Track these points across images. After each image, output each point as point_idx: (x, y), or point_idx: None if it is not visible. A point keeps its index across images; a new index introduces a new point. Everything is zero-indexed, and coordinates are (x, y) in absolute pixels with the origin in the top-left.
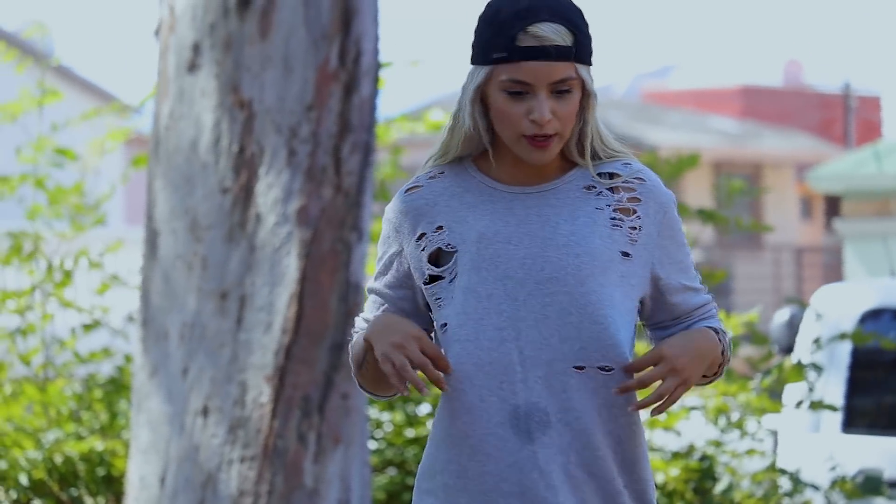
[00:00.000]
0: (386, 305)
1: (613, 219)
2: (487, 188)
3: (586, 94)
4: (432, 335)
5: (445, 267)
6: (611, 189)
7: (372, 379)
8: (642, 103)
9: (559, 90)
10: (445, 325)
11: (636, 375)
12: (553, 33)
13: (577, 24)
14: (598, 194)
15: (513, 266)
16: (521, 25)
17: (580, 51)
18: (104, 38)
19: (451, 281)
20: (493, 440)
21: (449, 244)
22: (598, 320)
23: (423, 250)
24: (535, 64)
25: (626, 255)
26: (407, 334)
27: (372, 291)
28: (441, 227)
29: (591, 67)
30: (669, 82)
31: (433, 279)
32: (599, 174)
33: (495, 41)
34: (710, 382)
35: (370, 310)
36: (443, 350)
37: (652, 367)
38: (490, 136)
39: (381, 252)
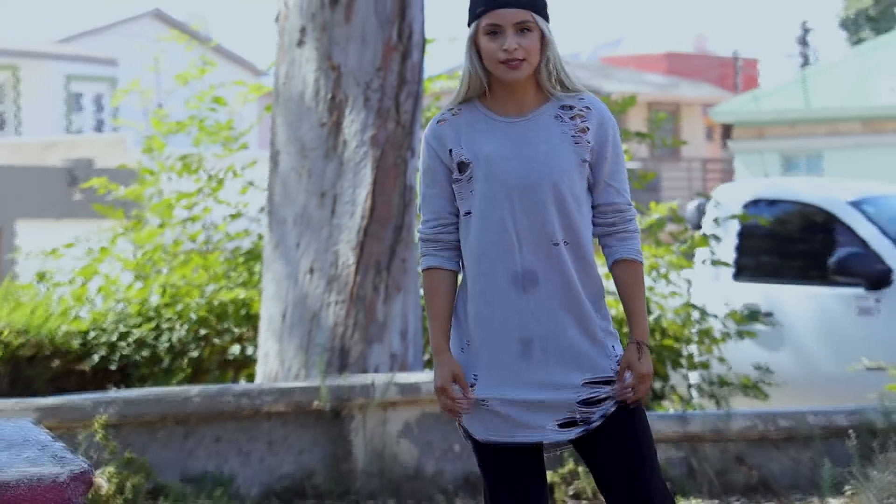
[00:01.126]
0: (441, 203)
1: (574, 138)
2: (489, 119)
3: (545, 39)
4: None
5: (464, 174)
6: (571, 118)
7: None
8: (600, 65)
9: (522, 29)
10: (468, 212)
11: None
12: None
13: None
14: (563, 122)
15: (509, 176)
16: None
17: (536, 5)
18: (245, 19)
19: (469, 181)
20: (500, 293)
21: (467, 157)
22: (565, 212)
23: (452, 159)
24: (503, 10)
25: (584, 160)
26: (440, 389)
27: (426, 195)
28: (461, 147)
29: (547, 22)
30: (619, 50)
31: (457, 181)
32: (562, 106)
33: (478, 3)
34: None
35: (427, 208)
36: (465, 229)
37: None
38: (486, 77)
39: (428, 168)
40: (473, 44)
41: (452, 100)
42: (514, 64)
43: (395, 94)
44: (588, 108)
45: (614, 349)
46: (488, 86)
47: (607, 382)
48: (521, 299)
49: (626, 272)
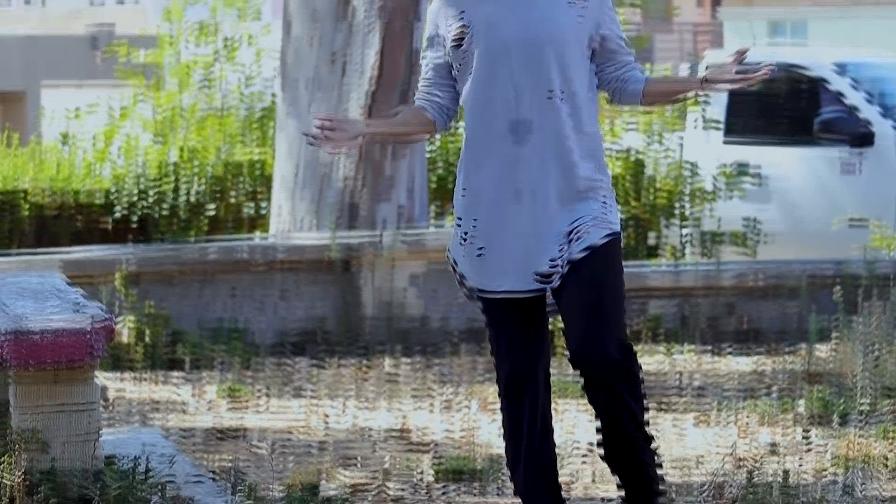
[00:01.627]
0: (428, 73)
1: (570, 3)
2: None
3: None
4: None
5: (464, 36)
6: None
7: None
8: None
9: None
10: (470, 72)
11: None
12: None
13: None
14: None
15: (508, 36)
16: None
17: None
18: None
19: (469, 45)
20: (499, 142)
21: (468, 22)
22: (561, 64)
23: (448, 26)
24: None
25: (579, 22)
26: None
27: (424, 62)
28: (462, 11)
29: None
30: None
31: (456, 46)
32: None
33: None
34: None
35: (423, 76)
36: (468, 89)
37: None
38: None
39: (427, 33)
40: None
41: None
42: None
43: None
44: None
45: (604, 198)
46: None
47: (585, 227)
48: (515, 148)
49: (657, 82)
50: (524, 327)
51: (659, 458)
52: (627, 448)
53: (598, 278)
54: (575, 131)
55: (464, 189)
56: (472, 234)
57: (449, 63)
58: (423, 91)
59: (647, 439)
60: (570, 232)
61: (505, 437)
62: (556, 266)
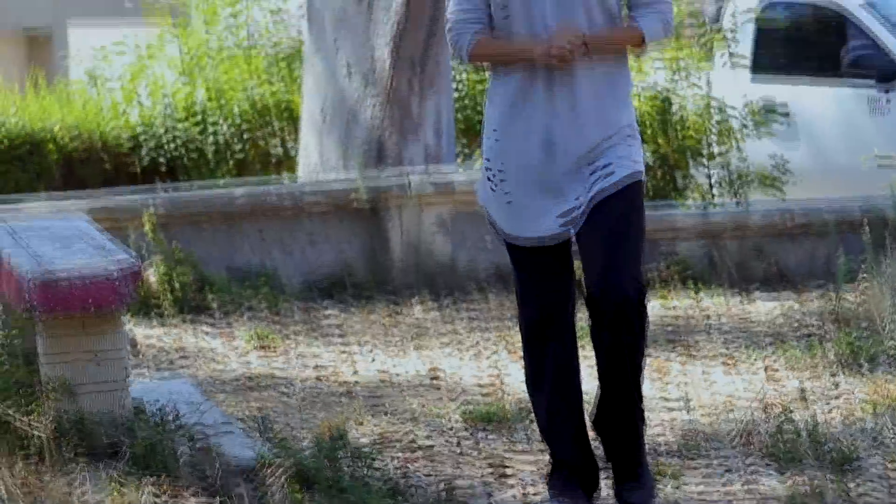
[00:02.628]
0: (469, 3)
1: None
2: None
3: None
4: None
5: None
6: None
7: (487, 61)
8: None
9: None
10: (507, 16)
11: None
12: None
13: None
14: None
15: None
16: None
17: None
18: None
19: None
20: (532, 90)
21: None
22: (590, 9)
23: None
24: None
25: None
26: (563, 34)
27: None
28: None
29: None
30: None
31: None
32: None
33: None
34: (639, 50)
35: (457, 3)
36: (505, 29)
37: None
38: None
39: None
40: None
41: None
42: None
43: None
44: None
45: (629, 137)
46: None
47: (610, 165)
48: (544, 96)
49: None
50: (550, 271)
51: (644, 422)
52: (623, 398)
53: (619, 218)
54: (604, 77)
55: (493, 130)
56: (501, 179)
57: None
58: (464, 22)
59: (640, 396)
60: (594, 172)
61: (527, 382)
62: (579, 206)
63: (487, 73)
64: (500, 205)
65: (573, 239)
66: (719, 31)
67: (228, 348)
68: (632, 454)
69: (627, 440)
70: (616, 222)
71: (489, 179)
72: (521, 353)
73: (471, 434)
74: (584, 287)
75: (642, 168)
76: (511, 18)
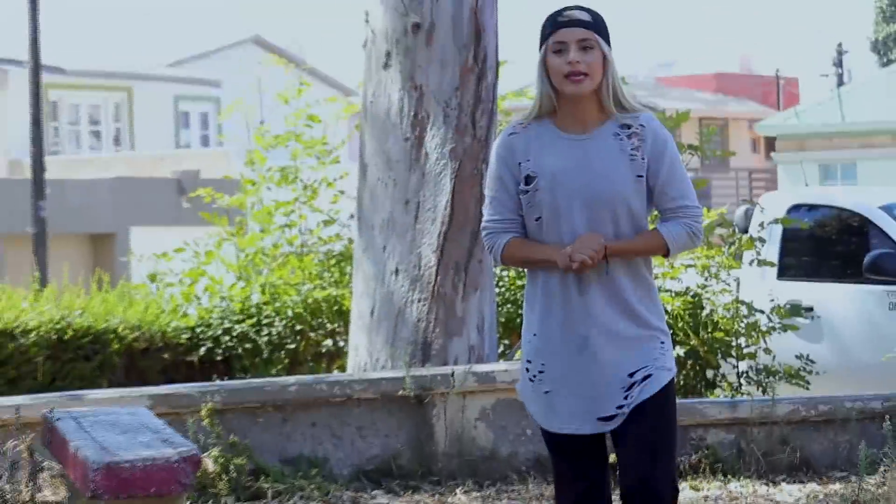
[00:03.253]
0: (507, 205)
1: (631, 156)
2: (555, 134)
3: (606, 60)
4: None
5: (531, 185)
6: (628, 136)
7: (522, 264)
8: (655, 84)
9: (583, 46)
10: (539, 218)
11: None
12: (577, 13)
13: (593, 13)
14: (620, 140)
15: (572, 188)
16: (559, 13)
17: (597, 25)
18: (337, 44)
19: (535, 191)
20: (563, 294)
21: (533, 171)
22: (618, 223)
23: (520, 170)
24: (567, 29)
25: (640, 177)
26: (585, 242)
27: (494, 198)
28: (529, 159)
29: (609, 46)
30: (673, 70)
31: (525, 192)
32: (621, 125)
33: (547, 26)
34: (665, 257)
35: (494, 209)
36: (537, 234)
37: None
38: (555, 96)
39: (496, 175)
40: (544, 64)
41: (525, 116)
42: (576, 77)
43: (471, 111)
44: (642, 125)
45: (662, 343)
46: (557, 104)
47: (648, 374)
48: (579, 297)
49: (648, 231)
50: (586, 457)
51: None
52: None
53: (656, 424)
54: (633, 281)
55: (533, 334)
56: (539, 377)
57: (517, 197)
58: (499, 225)
59: None
60: (633, 378)
61: None
62: (621, 410)
63: (526, 287)
64: (538, 397)
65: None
66: (750, 238)
67: None
68: None
69: None
70: (654, 427)
71: (530, 380)
72: None
73: None
74: (621, 484)
75: (674, 370)
76: (542, 223)
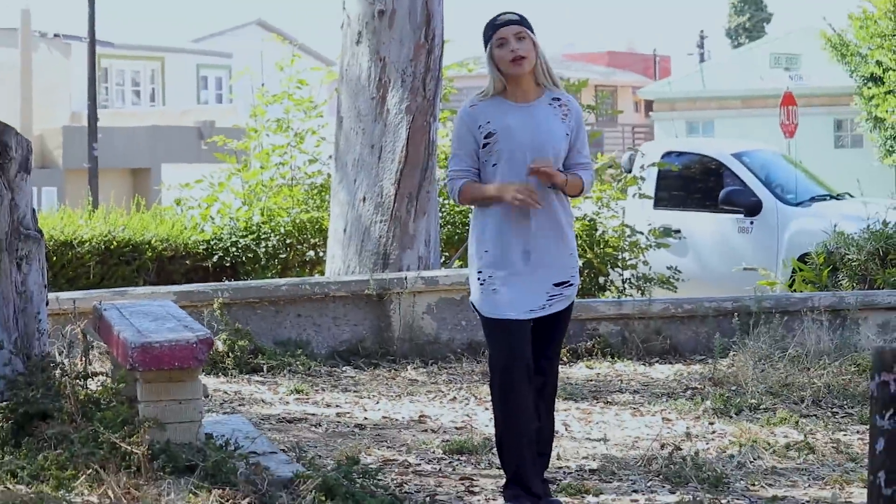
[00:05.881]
0: (466, 160)
1: (562, 119)
2: (508, 104)
3: (535, 45)
4: (480, 170)
5: (491, 139)
6: (559, 106)
7: (473, 202)
8: (562, 59)
9: (519, 37)
10: (495, 164)
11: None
12: (509, 16)
13: (519, 14)
14: (554, 108)
15: (524, 139)
16: (496, 18)
17: (525, 22)
18: (321, 24)
19: (496, 143)
20: (514, 218)
21: (493, 129)
22: (556, 163)
23: (480, 131)
24: (504, 28)
25: (567, 134)
26: (522, 187)
27: (456, 154)
28: (489, 122)
29: (534, 34)
30: (574, 49)
31: (485, 145)
32: (552, 98)
33: (489, 29)
34: (578, 196)
35: (456, 162)
36: (492, 175)
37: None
38: (503, 78)
39: (459, 136)
40: (491, 58)
41: (479, 94)
42: (517, 61)
43: (422, 77)
44: (569, 101)
45: (577, 262)
46: (505, 84)
47: (568, 285)
48: (525, 223)
49: (574, 175)
50: (516, 342)
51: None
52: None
53: (561, 326)
54: (564, 211)
55: (485, 251)
56: (490, 280)
57: (477, 153)
58: (467, 171)
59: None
60: (558, 286)
61: (498, 422)
62: (543, 308)
63: (472, 209)
64: (487, 296)
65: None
66: (633, 177)
67: (274, 396)
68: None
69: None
70: (558, 329)
71: (480, 283)
72: (486, 403)
73: (449, 461)
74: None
75: (577, 287)
76: (497, 168)
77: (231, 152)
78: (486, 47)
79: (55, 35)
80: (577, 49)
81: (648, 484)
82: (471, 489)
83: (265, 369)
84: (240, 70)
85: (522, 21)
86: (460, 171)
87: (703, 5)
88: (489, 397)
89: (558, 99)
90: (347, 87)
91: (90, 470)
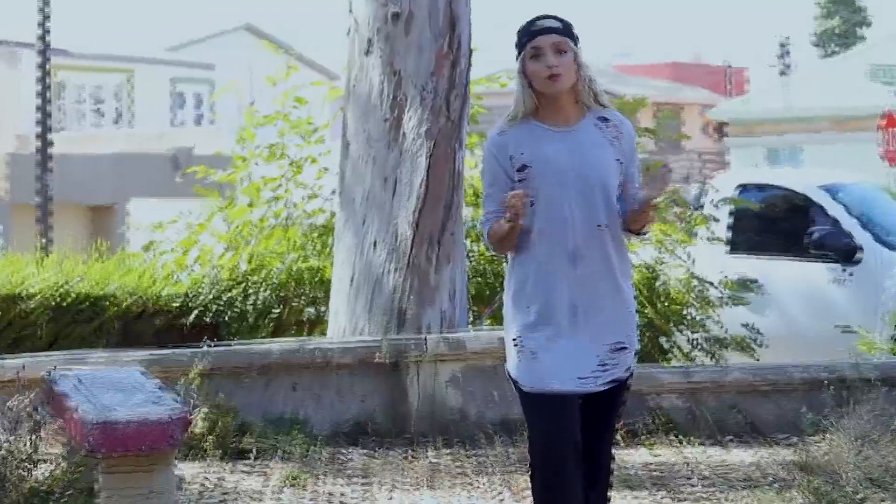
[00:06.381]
0: (498, 200)
1: (612, 142)
2: (543, 130)
3: (578, 59)
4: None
5: (525, 173)
6: (608, 127)
7: (502, 244)
8: (615, 72)
9: (557, 50)
10: (533, 205)
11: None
12: (549, 21)
13: (562, 19)
14: (601, 130)
15: (565, 172)
16: (532, 23)
17: (567, 30)
18: (322, 30)
19: (531, 178)
20: (557, 267)
21: (527, 160)
22: (607, 201)
23: (512, 164)
24: (541, 36)
25: (619, 161)
26: (511, 196)
27: (488, 194)
28: (522, 151)
29: (578, 46)
30: (631, 59)
31: (520, 180)
32: (599, 118)
33: (523, 35)
34: (640, 233)
35: (489, 203)
36: (530, 216)
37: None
38: (535, 97)
39: (489, 171)
40: (523, 71)
41: (507, 117)
42: (555, 79)
43: (445, 94)
44: (619, 121)
45: (635, 319)
46: (538, 104)
47: (624, 349)
48: (571, 272)
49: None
50: (562, 420)
51: None
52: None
53: (613, 399)
54: (619, 259)
55: (525, 307)
56: (530, 344)
57: (509, 189)
58: (500, 214)
59: None
60: (611, 349)
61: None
62: (595, 378)
63: (509, 255)
64: (527, 362)
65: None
66: (703, 216)
67: (264, 486)
68: None
69: None
70: (609, 403)
71: (518, 348)
72: (525, 494)
73: None
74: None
75: (638, 350)
76: (536, 207)
77: (213, 186)
78: (517, 56)
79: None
80: (632, 59)
81: None
82: None
83: (253, 453)
84: (224, 85)
85: (565, 29)
86: (494, 212)
87: (785, 6)
88: (528, 488)
89: (606, 119)
90: (355, 107)
91: None
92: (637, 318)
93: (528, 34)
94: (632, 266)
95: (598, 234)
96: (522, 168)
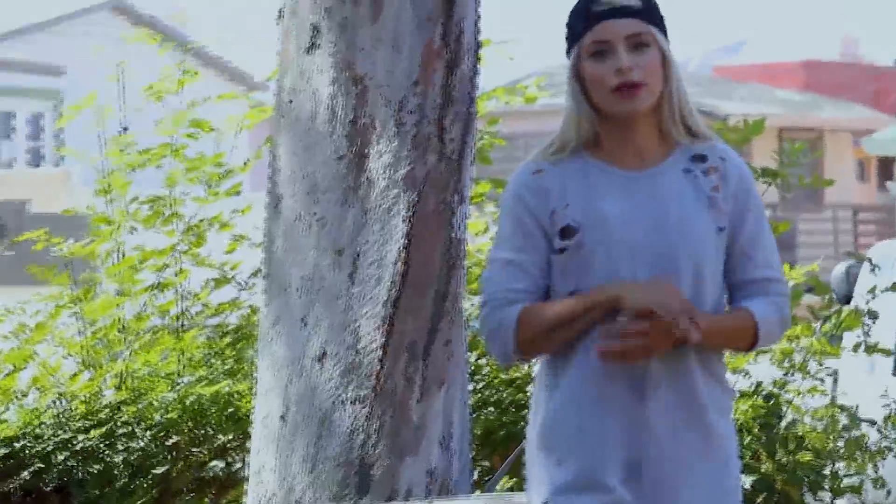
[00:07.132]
0: (524, 272)
1: (710, 199)
2: (603, 172)
3: (667, 61)
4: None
5: (570, 241)
6: (704, 172)
7: (550, 340)
8: (713, 78)
9: (635, 44)
10: (574, 292)
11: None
12: (623, 0)
13: None
14: (695, 177)
15: (634, 246)
16: (595, 0)
17: (650, 12)
18: (236, 20)
19: (577, 251)
20: (612, 400)
21: (576, 221)
22: (700, 296)
23: (553, 222)
24: (608, 21)
25: (721, 230)
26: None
27: (508, 261)
28: (568, 204)
29: (667, 38)
30: (740, 57)
31: (563, 250)
32: (693, 157)
33: (578, 20)
34: (744, 352)
35: (507, 275)
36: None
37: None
38: (595, 118)
39: (510, 223)
40: (576, 76)
41: (548, 148)
42: (628, 92)
43: (437, 116)
44: (722, 159)
45: (737, 480)
46: (598, 131)
47: None
48: (636, 407)
49: (736, 309)
50: None
51: None
52: None
53: None
54: (707, 385)
55: (558, 460)
56: None
57: (548, 262)
58: (525, 293)
59: None
60: None
61: None
62: None
63: (538, 371)
64: None
65: None
66: (854, 312)
67: None
68: None
69: None
70: None
71: None
72: None
73: None
74: None
75: None
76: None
77: (60, 264)
78: (568, 54)
79: None
80: (742, 58)
81: None
82: None
83: None
84: (78, 101)
85: (646, 10)
86: (515, 291)
87: None
88: None
89: (702, 158)
90: (291, 136)
91: None
92: (742, 479)
93: (587, 17)
94: (733, 394)
95: (683, 349)
96: (567, 233)
